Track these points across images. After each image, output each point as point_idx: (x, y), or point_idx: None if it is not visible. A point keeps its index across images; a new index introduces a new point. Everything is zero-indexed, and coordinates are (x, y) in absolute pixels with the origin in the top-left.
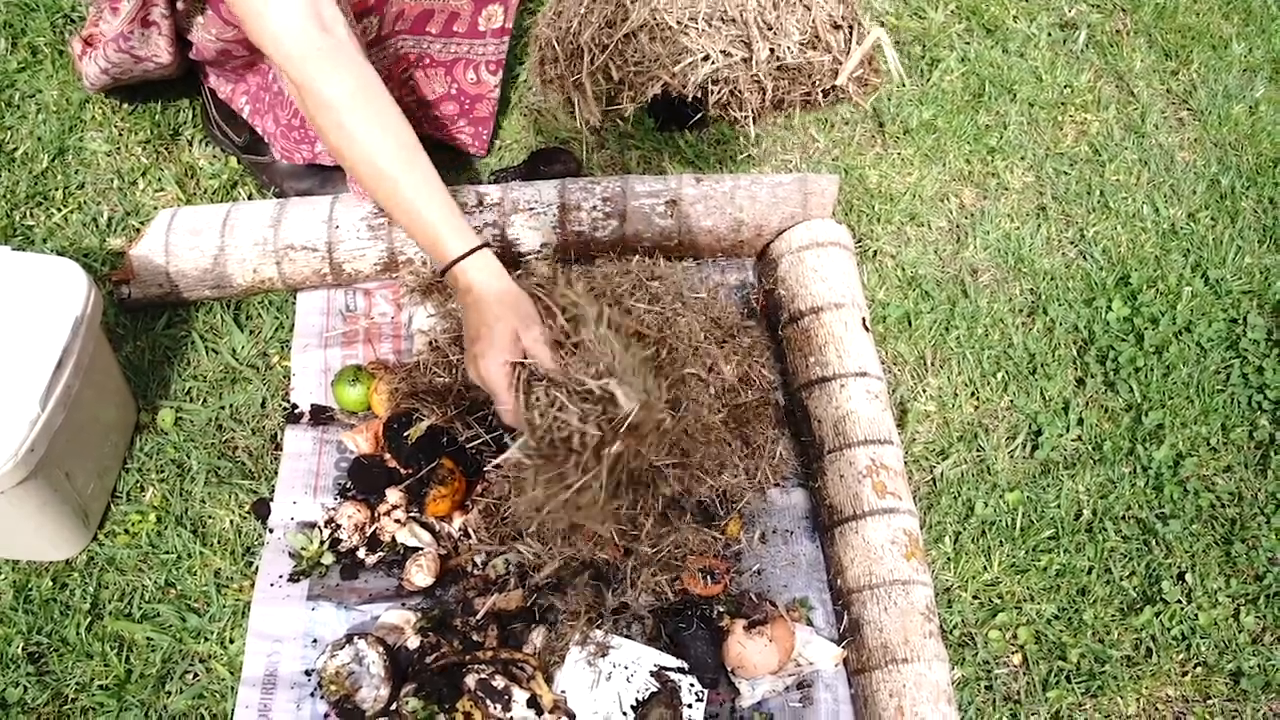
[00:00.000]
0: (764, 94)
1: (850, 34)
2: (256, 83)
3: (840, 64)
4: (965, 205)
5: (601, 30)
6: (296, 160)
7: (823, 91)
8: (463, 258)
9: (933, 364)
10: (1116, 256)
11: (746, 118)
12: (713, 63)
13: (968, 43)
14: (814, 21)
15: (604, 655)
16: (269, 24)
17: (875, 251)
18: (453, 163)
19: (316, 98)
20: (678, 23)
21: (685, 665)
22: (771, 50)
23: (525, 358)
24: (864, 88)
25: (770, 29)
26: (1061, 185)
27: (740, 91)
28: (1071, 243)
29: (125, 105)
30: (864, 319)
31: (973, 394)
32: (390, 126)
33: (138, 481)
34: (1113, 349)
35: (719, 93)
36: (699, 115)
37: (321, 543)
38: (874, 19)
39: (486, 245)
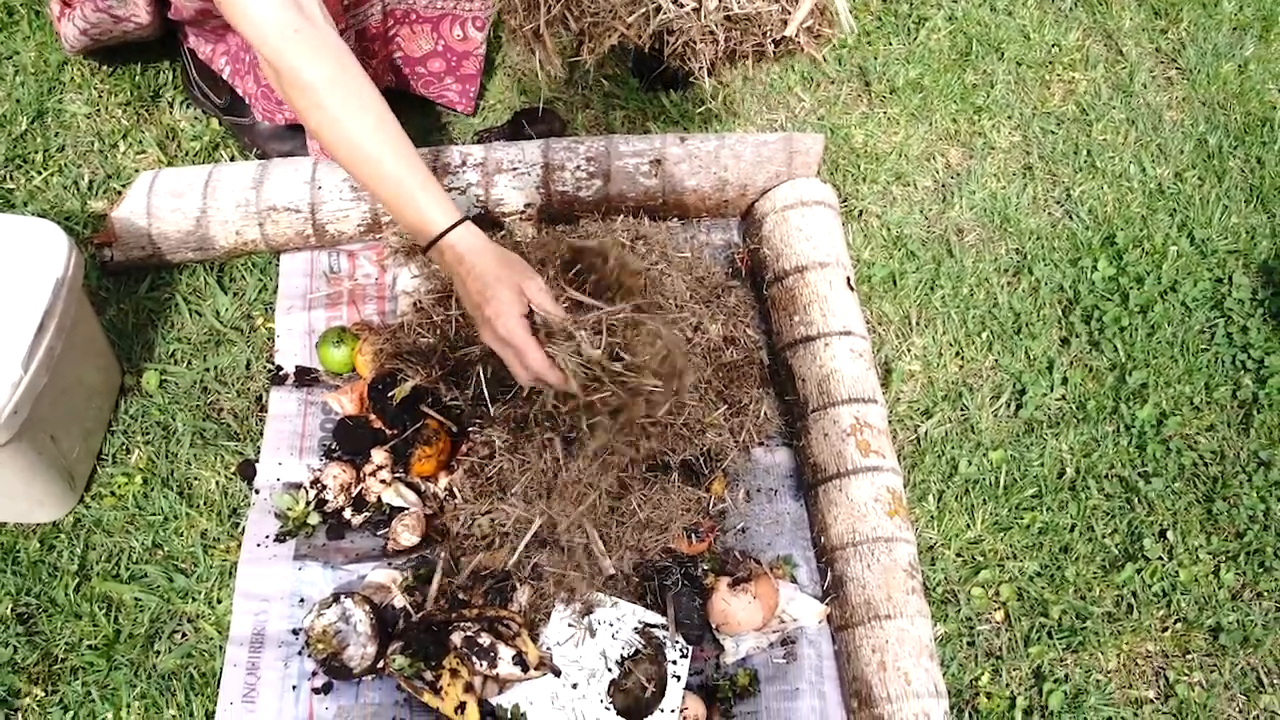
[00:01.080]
0: (717, 45)
1: None
2: (236, 43)
3: (789, 14)
4: (951, 165)
5: None
6: (278, 121)
7: (774, 42)
8: (450, 230)
9: (917, 323)
10: (1102, 216)
11: (701, 69)
12: (664, 12)
13: (955, 1)
14: None
15: (589, 612)
16: (246, 5)
17: (860, 211)
18: (436, 122)
19: (294, 80)
20: None
21: (670, 622)
22: (719, 0)
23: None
24: (816, 39)
25: None
26: (1048, 145)
27: (694, 42)
28: (1058, 202)
29: (105, 67)
30: (848, 278)
31: (957, 353)
32: (369, 106)
33: (123, 444)
34: (1097, 309)
35: (674, 43)
36: (685, 74)
37: (308, 503)
38: None
39: (467, 218)
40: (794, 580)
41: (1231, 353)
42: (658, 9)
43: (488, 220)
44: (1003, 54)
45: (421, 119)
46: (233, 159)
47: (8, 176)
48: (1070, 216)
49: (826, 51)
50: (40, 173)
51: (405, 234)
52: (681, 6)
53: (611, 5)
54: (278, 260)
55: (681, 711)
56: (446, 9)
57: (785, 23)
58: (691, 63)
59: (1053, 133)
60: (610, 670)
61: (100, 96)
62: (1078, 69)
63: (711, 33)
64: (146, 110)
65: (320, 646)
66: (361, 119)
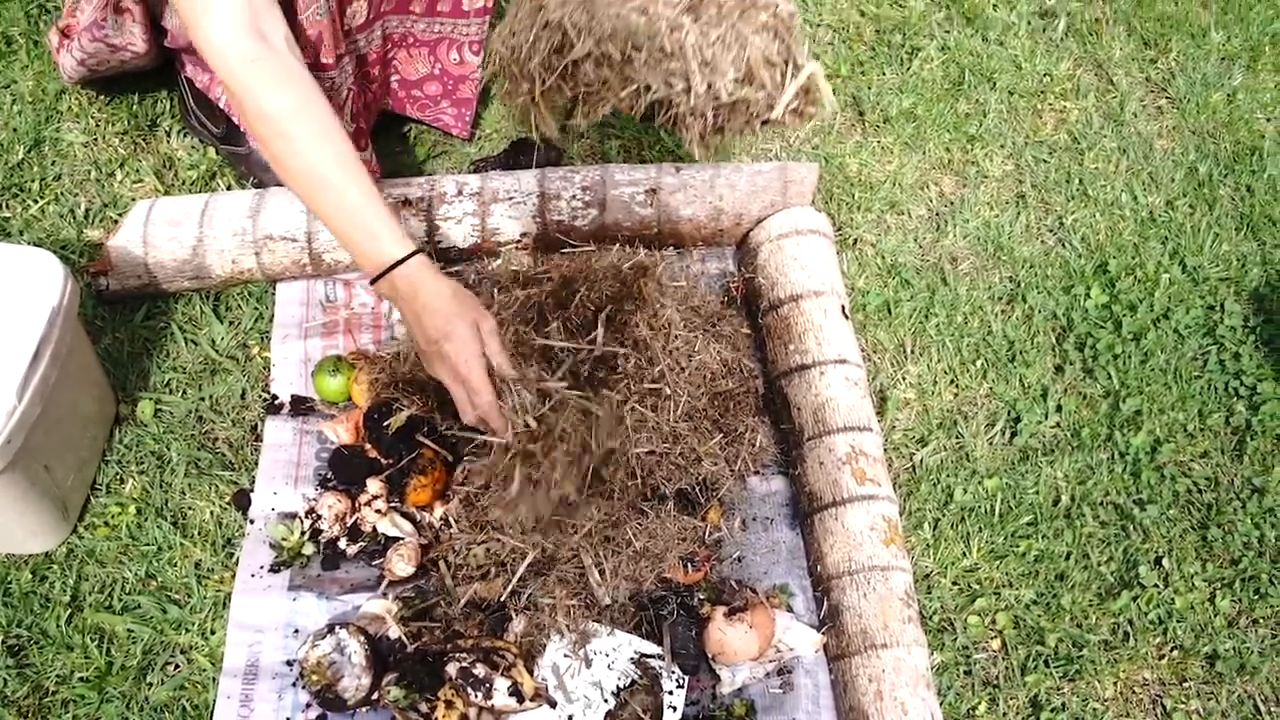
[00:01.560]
0: (705, 121)
1: (786, 70)
2: None
3: (775, 100)
4: (945, 193)
5: (550, 56)
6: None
7: (761, 122)
8: (405, 260)
9: (912, 351)
10: (1095, 244)
11: (690, 141)
12: (655, 92)
13: (947, 31)
14: (749, 60)
15: (585, 643)
16: (207, 33)
17: (855, 239)
18: (433, 150)
19: (255, 108)
20: (621, 54)
21: (666, 652)
22: (709, 86)
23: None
24: (800, 118)
25: (707, 65)
26: (1041, 173)
27: (683, 118)
28: (1050, 230)
29: (102, 96)
30: (843, 307)
31: (952, 381)
32: (330, 138)
33: (117, 473)
34: (1091, 336)
35: (664, 116)
36: None
37: (302, 533)
38: (811, 52)
39: (422, 250)
40: (790, 609)
41: (1224, 380)
42: (648, 88)
43: (484, 250)
44: (995, 83)
45: (419, 146)
46: (229, 188)
47: (4, 205)
48: (1063, 244)
49: (810, 126)
50: (36, 201)
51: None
52: (671, 87)
53: (605, 78)
54: (274, 289)
55: None
56: (444, 33)
57: (771, 106)
58: (681, 134)
59: (1045, 161)
60: (606, 701)
61: (97, 125)
62: (1069, 98)
63: (700, 114)
64: (143, 139)
65: (315, 678)
66: (322, 149)
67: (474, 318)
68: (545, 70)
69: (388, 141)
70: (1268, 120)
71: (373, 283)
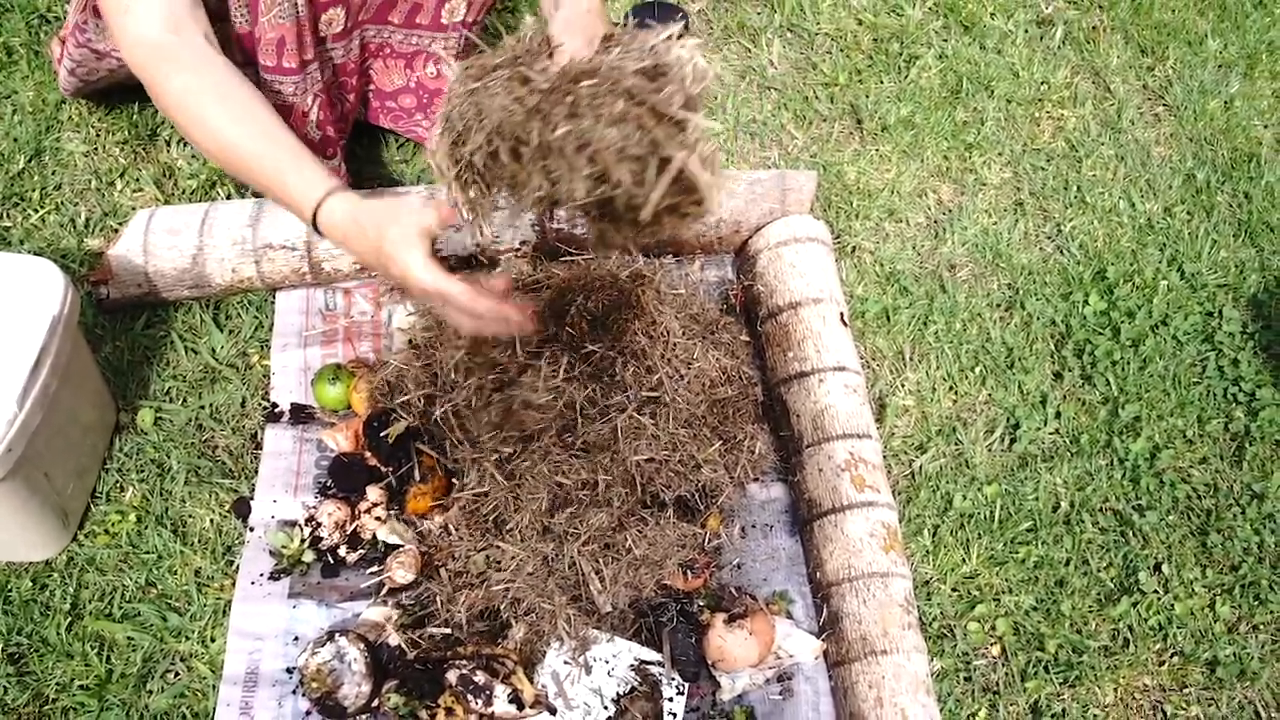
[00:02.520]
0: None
1: (656, 164)
2: None
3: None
4: (943, 201)
5: (451, 148)
6: None
7: (643, 225)
8: (325, 199)
9: (911, 358)
10: (1093, 251)
11: (587, 239)
12: (540, 189)
13: (945, 40)
14: (596, 155)
15: (585, 650)
16: (126, 29)
17: (854, 247)
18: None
19: (163, 92)
20: (511, 150)
21: (666, 659)
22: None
23: (435, 242)
24: (680, 219)
25: (565, 161)
26: (1039, 181)
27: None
28: (1049, 238)
29: (102, 106)
30: (842, 314)
31: (951, 388)
32: (233, 101)
33: (117, 481)
34: (1090, 343)
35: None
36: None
37: (302, 541)
38: (689, 145)
39: (343, 187)
40: (790, 616)
41: (1223, 386)
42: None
43: (485, 258)
44: (993, 91)
45: (415, 155)
46: (229, 197)
47: (4, 214)
48: (1061, 251)
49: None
50: (37, 211)
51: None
52: (555, 185)
53: (514, 172)
54: (273, 298)
55: None
56: (421, 46)
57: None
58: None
59: (1043, 169)
60: (606, 708)
61: (98, 135)
62: (1067, 106)
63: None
64: (144, 148)
65: (315, 685)
66: (226, 111)
67: (409, 227)
68: (451, 162)
69: (375, 147)
70: (1265, 127)
71: (316, 230)
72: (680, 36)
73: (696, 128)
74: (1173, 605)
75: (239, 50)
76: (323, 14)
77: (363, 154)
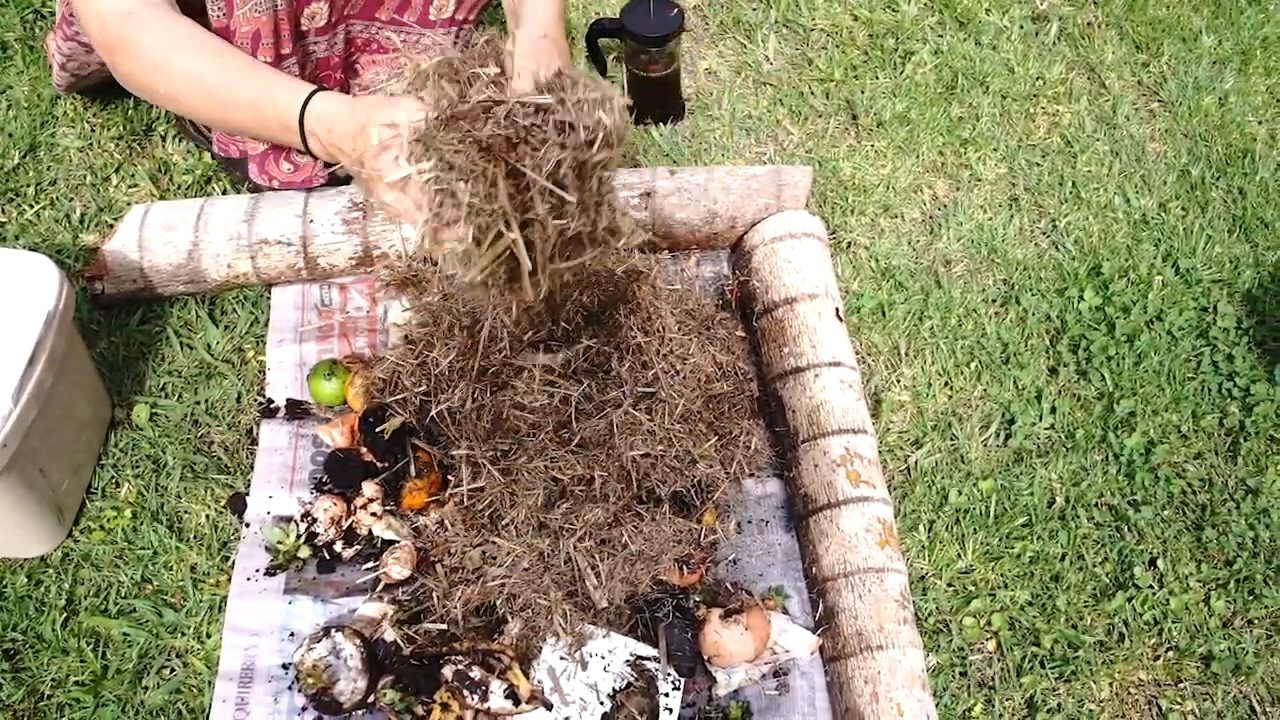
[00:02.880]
0: None
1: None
2: None
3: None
4: (938, 196)
5: None
6: (231, 153)
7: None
8: (307, 102)
9: (906, 354)
10: (1088, 246)
11: None
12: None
13: (940, 35)
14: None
15: (581, 645)
16: (91, 3)
17: (849, 243)
18: None
19: (126, 54)
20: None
21: (662, 654)
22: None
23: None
24: (492, 290)
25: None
26: (1034, 176)
27: None
28: (1044, 233)
29: (97, 101)
30: (838, 309)
31: (946, 384)
32: (209, 44)
33: (113, 477)
34: (1085, 338)
35: None
36: (674, 109)
37: (298, 537)
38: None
39: (319, 89)
40: (786, 611)
41: (1218, 381)
42: None
43: None
44: (988, 87)
45: None
46: (225, 192)
47: (0, 210)
48: (1056, 247)
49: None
50: (32, 206)
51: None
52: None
53: None
54: (269, 293)
55: None
56: (409, 42)
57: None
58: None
59: (1038, 165)
60: (602, 703)
61: (93, 130)
62: (1062, 102)
63: None
64: (139, 144)
65: (310, 681)
66: (201, 58)
67: (386, 115)
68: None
69: None
70: (1259, 123)
71: (307, 152)
72: (667, 42)
73: (571, 203)
74: (1168, 600)
75: None
76: (305, 8)
77: None
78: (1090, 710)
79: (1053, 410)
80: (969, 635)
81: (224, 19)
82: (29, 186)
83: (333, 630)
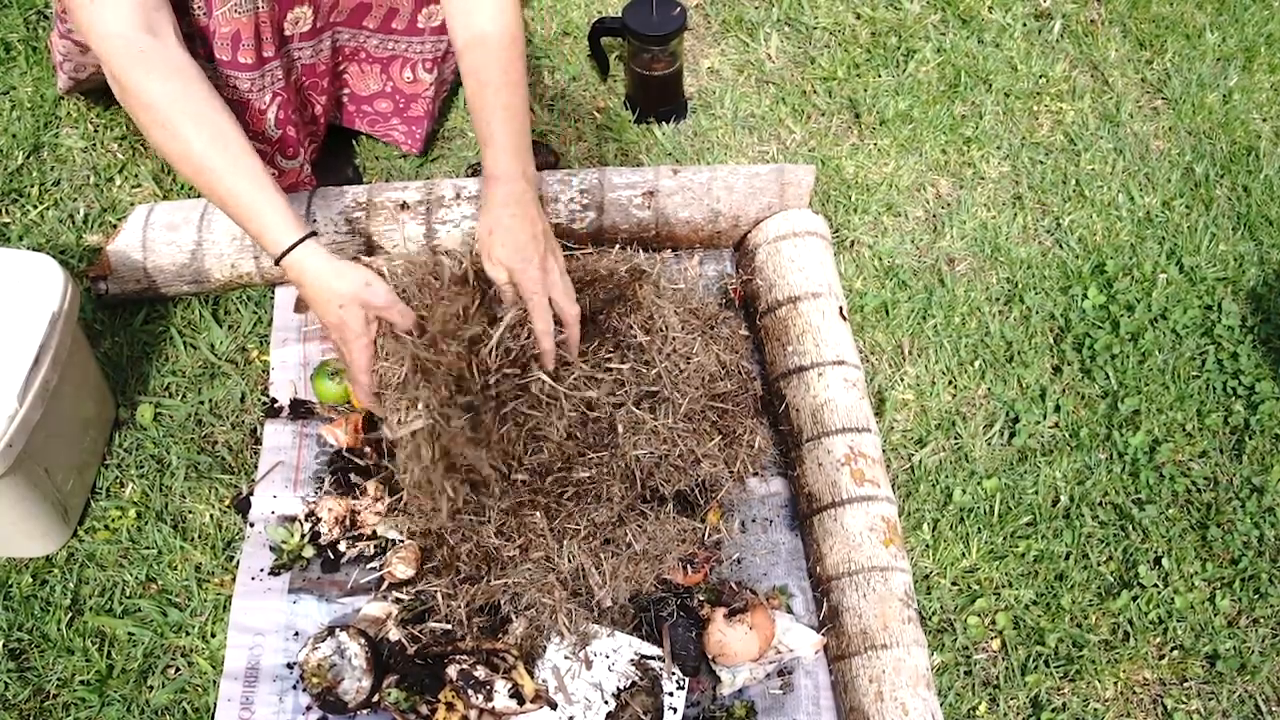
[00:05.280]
0: None
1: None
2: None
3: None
4: (941, 195)
5: None
6: None
7: None
8: (292, 248)
9: (910, 352)
10: (1092, 245)
11: None
12: None
13: (943, 33)
14: None
15: (585, 644)
16: (94, 23)
17: (852, 241)
18: (429, 155)
19: (137, 98)
20: None
21: (666, 653)
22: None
23: (380, 331)
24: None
25: None
26: (1037, 174)
27: None
28: (1047, 231)
29: (100, 102)
30: (841, 308)
31: (950, 382)
32: (208, 123)
33: (117, 477)
34: (1089, 336)
35: None
36: (677, 108)
37: (302, 536)
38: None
39: (314, 234)
40: (790, 610)
41: (1222, 379)
42: None
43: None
44: (991, 85)
45: (383, 152)
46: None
47: (3, 210)
48: (1060, 245)
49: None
50: (36, 206)
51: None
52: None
53: None
54: (272, 293)
55: None
56: (397, 51)
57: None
58: None
59: (1041, 162)
60: (606, 702)
61: (96, 131)
62: (1065, 100)
63: None
64: (142, 144)
65: (315, 680)
66: (203, 136)
67: (359, 303)
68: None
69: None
70: (1263, 120)
71: (277, 263)
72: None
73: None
74: (1173, 599)
75: (201, 43)
76: (289, 12)
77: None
78: (1095, 709)
79: (1057, 409)
80: (973, 634)
81: (204, 18)
82: (33, 187)
83: (337, 629)
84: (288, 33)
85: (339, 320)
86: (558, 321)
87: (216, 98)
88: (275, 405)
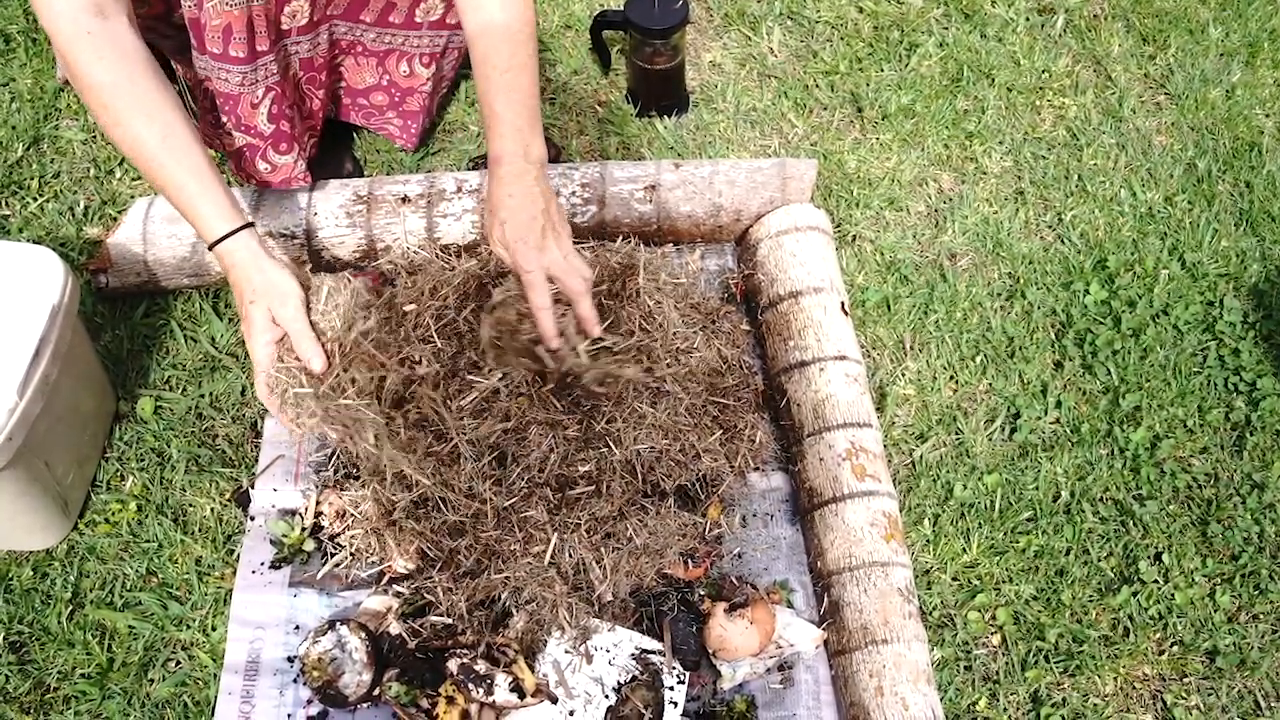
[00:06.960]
0: None
1: None
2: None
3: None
4: (943, 190)
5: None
6: (215, 146)
7: None
8: (224, 239)
9: (911, 348)
10: (1094, 240)
11: None
12: None
13: (946, 28)
14: None
15: (586, 639)
16: (44, 1)
17: (854, 236)
18: (429, 149)
19: (83, 79)
20: None
21: (667, 648)
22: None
23: (285, 347)
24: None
25: None
26: (1039, 170)
27: None
28: (1049, 227)
29: None
30: (843, 303)
31: (951, 377)
32: (154, 112)
33: (118, 470)
34: (1090, 332)
35: None
36: (679, 102)
37: (303, 530)
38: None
39: (249, 225)
40: (790, 605)
41: (1224, 376)
42: None
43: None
44: (993, 80)
45: (382, 146)
46: (229, 185)
47: (4, 203)
48: (1062, 240)
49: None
50: (36, 199)
51: (402, 254)
52: None
53: None
54: None
55: None
56: (394, 45)
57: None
58: None
59: (1044, 158)
60: (607, 696)
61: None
62: (1067, 95)
63: None
64: None
65: (315, 674)
66: (148, 124)
67: (271, 303)
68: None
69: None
70: (1266, 116)
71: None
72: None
73: None
74: (1173, 595)
75: (194, 36)
76: (286, 5)
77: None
78: (1095, 705)
79: (1058, 404)
80: (974, 629)
81: (195, 10)
82: (33, 179)
83: (338, 623)
84: (285, 26)
85: (247, 314)
86: (565, 302)
87: (164, 84)
88: None
